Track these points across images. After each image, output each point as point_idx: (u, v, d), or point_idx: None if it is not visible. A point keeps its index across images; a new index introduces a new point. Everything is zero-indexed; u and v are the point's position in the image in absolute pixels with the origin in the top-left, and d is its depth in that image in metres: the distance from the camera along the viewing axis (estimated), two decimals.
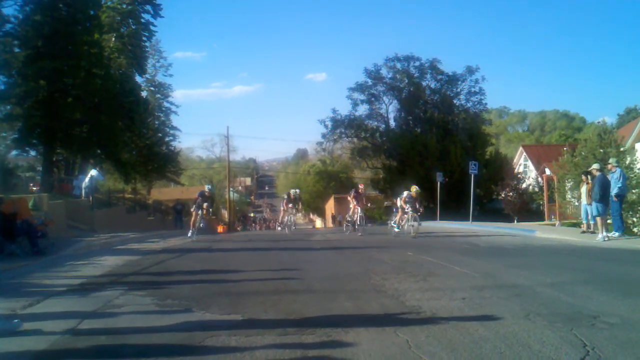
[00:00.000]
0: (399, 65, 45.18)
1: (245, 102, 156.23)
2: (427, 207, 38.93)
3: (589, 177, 15.23)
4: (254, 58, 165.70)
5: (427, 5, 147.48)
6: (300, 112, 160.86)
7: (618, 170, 14.40)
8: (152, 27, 34.61)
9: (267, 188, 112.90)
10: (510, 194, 35.48)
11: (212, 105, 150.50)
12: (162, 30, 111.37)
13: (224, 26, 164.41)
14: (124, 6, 32.53)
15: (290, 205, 23.32)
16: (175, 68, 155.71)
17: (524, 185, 37.81)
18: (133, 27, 33.67)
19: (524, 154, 48.78)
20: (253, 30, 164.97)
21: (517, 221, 30.78)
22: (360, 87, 45.84)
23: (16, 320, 5.35)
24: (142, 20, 33.98)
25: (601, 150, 24.07)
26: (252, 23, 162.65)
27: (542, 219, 28.92)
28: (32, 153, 29.69)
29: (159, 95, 45.72)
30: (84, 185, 22.02)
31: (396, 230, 18.85)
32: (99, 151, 30.06)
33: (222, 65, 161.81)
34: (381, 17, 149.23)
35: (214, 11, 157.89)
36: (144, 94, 39.45)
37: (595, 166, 14.77)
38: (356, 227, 20.38)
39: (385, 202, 47.61)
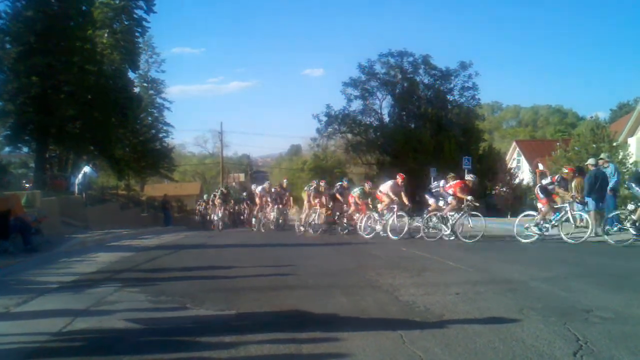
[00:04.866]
0: (392, 61, 45.08)
1: (241, 98, 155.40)
2: (422, 202, 39.00)
3: (575, 172, 15.32)
4: (252, 53, 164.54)
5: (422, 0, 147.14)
6: (295, 108, 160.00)
7: (612, 165, 14.47)
8: (145, 23, 34.34)
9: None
10: (504, 189, 35.56)
11: (207, 101, 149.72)
12: (160, 26, 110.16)
13: (224, 21, 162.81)
14: (117, 2, 32.30)
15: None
16: (174, 64, 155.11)
17: (517, 181, 37.93)
18: (126, 23, 33.40)
19: (517, 149, 48.92)
20: (252, 25, 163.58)
21: (510, 216, 30.86)
22: (354, 83, 45.71)
23: None
24: (135, 16, 33.70)
25: (594, 145, 24.21)
26: (252, 17, 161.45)
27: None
28: (25, 150, 29.50)
29: (152, 92, 45.49)
30: (77, 181, 21.94)
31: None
32: (92, 147, 29.90)
33: (220, 61, 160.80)
34: (379, 10, 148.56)
35: (214, 6, 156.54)
36: (137, 90, 39.22)
37: (590, 161, 14.79)
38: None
39: None
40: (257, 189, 22.88)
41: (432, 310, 5.60)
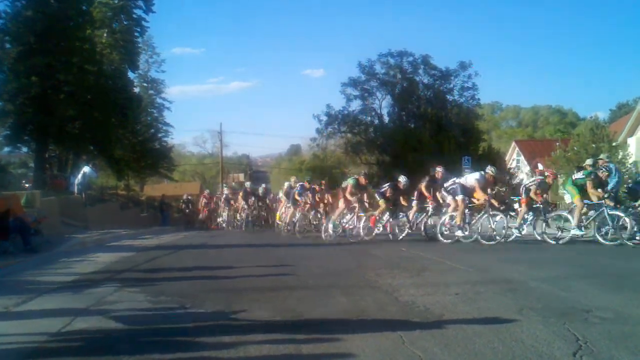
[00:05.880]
0: (392, 61, 45.03)
1: (241, 98, 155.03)
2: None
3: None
4: (252, 53, 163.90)
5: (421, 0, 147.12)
6: (295, 108, 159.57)
7: (612, 165, 14.45)
8: (144, 23, 34.35)
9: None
10: (503, 189, 35.57)
11: (207, 101, 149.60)
12: (160, 26, 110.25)
13: (224, 21, 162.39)
14: (116, 1, 32.31)
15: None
16: (174, 64, 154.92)
17: (516, 181, 37.95)
18: (125, 22, 33.43)
19: (517, 149, 48.92)
20: (252, 25, 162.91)
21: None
22: (353, 83, 45.66)
23: None
24: (134, 16, 33.73)
25: (593, 145, 24.21)
26: (252, 17, 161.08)
27: None
28: (24, 150, 29.49)
29: (152, 92, 45.49)
30: (77, 182, 21.95)
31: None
32: (92, 147, 29.92)
33: (220, 61, 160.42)
34: (379, 10, 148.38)
35: (214, 6, 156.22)
36: (137, 90, 39.21)
37: (588, 162, 14.78)
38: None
39: None
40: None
41: (431, 311, 5.60)
